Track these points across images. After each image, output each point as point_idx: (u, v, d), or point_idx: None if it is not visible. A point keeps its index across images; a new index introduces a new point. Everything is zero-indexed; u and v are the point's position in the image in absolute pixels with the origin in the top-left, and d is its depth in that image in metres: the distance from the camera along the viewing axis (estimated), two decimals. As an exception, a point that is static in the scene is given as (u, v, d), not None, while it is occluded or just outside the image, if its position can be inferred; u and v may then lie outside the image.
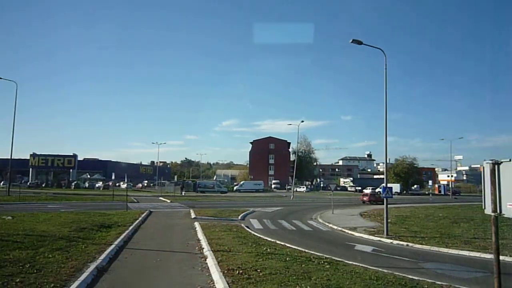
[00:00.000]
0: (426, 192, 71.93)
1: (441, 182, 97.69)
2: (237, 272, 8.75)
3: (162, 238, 14.73)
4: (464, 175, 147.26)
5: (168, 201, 34.84)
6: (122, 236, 13.78)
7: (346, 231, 18.83)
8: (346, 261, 10.51)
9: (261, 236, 15.32)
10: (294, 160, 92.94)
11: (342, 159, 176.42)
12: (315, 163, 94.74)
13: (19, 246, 11.00)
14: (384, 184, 18.20)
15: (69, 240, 12.40)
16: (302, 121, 53.72)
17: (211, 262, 9.96)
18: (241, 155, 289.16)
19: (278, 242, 13.84)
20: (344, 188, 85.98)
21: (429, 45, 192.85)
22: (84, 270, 8.61)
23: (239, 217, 23.35)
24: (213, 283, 8.08)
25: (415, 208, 32.83)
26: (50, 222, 16.19)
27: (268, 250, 11.90)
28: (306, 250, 12.25)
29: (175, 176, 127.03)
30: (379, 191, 44.33)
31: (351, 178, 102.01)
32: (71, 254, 10.31)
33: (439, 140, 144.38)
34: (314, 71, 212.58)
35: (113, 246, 11.88)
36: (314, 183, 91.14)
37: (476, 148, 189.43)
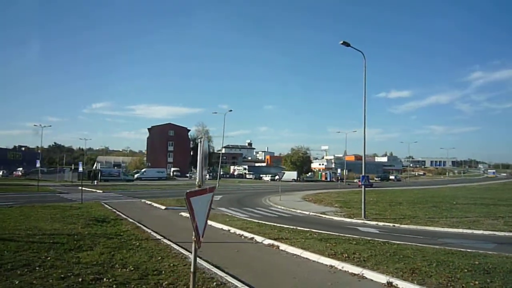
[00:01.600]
0: (319, 179, 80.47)
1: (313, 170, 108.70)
2: (343, 256, 9.50)
3: (183, 231, 14.05)
4: (333, 163, 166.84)
5: (100, 191, 31.71)
6: (148, 230, 12.96)
7: (321, 215, 20.57)
8: (392, 241, 12.00)
9: (272, 223, 15.85)
10: (193, 147, 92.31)
11: (224, 147, 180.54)
12: (212, 151, 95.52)
13: (68, 247, 9.65)
14: (362, 174, 20.46)
15: (108, 238, 11.19)
16: (231, 110, 53.77)
17: (295, 250, 10.39)
18: (116, 141, 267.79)
19: (299, 228, 14.62)
20: (241, 176, 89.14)
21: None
22: (209, 269, 8.29)
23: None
24: (339, 267, 8.66)
25: (338, 194, 36.84)
26: (41, 219, 13.92)
27: (314, 235, 12.74)
28: (339, 234, 13.39)
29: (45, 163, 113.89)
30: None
31: (245, 166, 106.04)
32: (144, 253, 9.57)
33: (304, 131, 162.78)
34: (197, 58, 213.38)
35: (166, 241, 11.27)
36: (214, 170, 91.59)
37: (335, 140, 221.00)
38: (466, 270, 8.11)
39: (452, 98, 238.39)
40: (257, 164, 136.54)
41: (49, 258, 8.42)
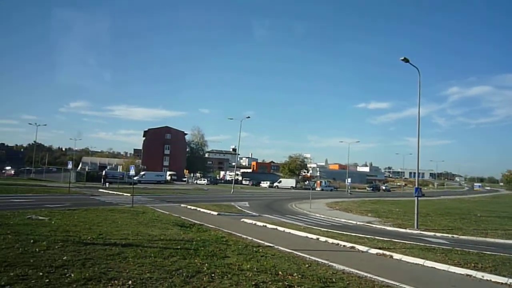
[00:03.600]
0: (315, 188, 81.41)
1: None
2: (471, 265, 10.24)
3: (277, 238, 14.23)
4: (318, 172, 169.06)
5: (127, 194, 31.04)
6: (244, 236, 13.23)
7: (370, 225, 21.32)
8: (482, 252, 12.64)
9: (345, 232, 16.32)
10: (188, 152, 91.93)
11: (209, 151, 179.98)
12: (207, 156, 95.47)
13: (205, 253, 9.84)
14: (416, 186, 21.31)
15: (225, 244, 11.39)
16: (248, 117, 54.22)
17: (414, 259, 10.99)
18: (95, 142, 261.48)
19: (377, 237, 15.16)
20: (236, 182, 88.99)
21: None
22: (373, 277, 8.67)
23: (256, 213, 23.64)
24: (478, 276, 9.22)
25: (355, 203, 37.59)
26: (128, 224, 13.92)
27: (407, 246, 13.33)
28: (424, 244, 14.08)
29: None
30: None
31: (238, 172, 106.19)
32: (284, 260, 9.86)
33: (283, 138, 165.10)
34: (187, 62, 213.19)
35: (282, 248, 11.52)
36: (206, 175, 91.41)
37: (314, 148, 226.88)
38: None
39: (430, 111, 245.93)
40: (242, 170, 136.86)
41: (206, 264, 8.50)
